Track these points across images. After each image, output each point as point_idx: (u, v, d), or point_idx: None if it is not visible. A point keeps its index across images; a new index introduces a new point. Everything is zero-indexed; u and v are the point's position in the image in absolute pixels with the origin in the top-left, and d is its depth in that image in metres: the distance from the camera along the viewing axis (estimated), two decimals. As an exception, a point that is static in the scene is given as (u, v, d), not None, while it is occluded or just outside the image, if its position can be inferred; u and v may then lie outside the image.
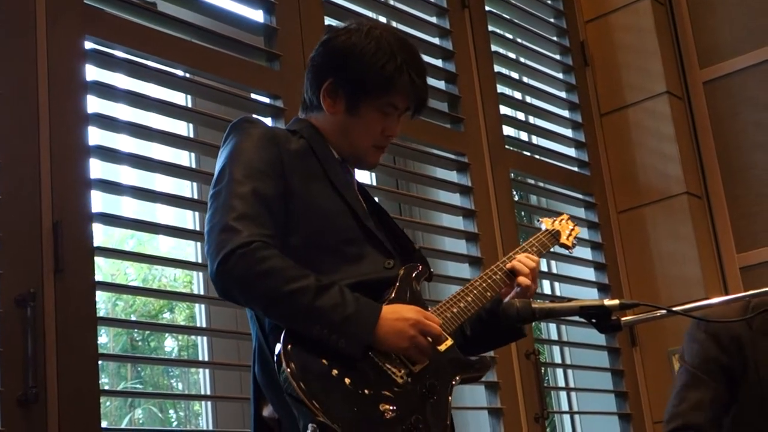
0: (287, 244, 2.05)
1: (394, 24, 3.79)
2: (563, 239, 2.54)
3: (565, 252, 2.61)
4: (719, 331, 2.77)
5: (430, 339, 2.02)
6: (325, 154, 2.20)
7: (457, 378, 2.11)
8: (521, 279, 2.29)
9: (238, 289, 1.97)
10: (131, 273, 3.29)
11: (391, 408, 1.94)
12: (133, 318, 3.22)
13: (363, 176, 2.39)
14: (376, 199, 2.43)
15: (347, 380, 1.93)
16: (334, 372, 1.93)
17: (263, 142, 2.12)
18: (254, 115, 3.09)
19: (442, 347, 2.08)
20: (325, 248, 2.09)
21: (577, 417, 4.28)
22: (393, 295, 2.11)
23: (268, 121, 3.12)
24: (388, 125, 2.23)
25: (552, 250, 2.53)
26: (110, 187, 2.65)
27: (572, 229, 2.58)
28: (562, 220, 2.59)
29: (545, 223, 2.56)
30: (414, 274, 2.18)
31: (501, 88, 4.08)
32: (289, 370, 1.88)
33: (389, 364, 1.99)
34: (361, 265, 2.11)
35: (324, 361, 1.93)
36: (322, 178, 2.16)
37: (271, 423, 2.08)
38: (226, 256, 1.94)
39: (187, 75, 2.97)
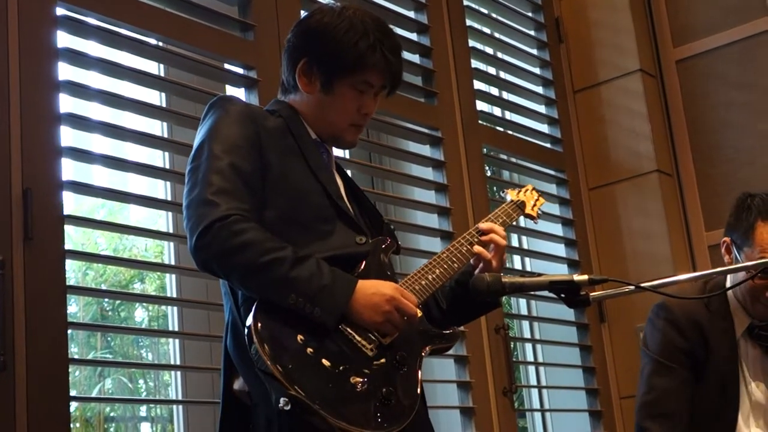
0: (263, 217, 2.07)
1: (369, -4, 3.78)
2: (528, 210, 2.55)
3: (536, 227, 2.61)
4: (679, 318, 2.81)
5: (404, 317, 2.04)
6: (301, 134, 2.22)
7: (427, 349, 2.13)
8: (484, 252, 2.29)
9: (216, 262, 1.99)
10: (102, 242, 3.28)
11: (362, 380, 1.95)
12: (104, 287, 3.21)
13: (336, 149, 2.39)
14: (349, 172, 2.44)
15: (318, 354, 1.94)
16: (305, 346, 1.94)
17: (241, 118, 2.13)
18: (233, 89, 3.10)
19: None
20: (299, 224, 2.11)
21: (545, 391, 4.32)
22: (362, 268, 2.13)
23: (241, 91, 3.11)
24: (364, 103, 2.24)
25: (523, 225, 2.54)
26: (81, 155, 2.63)
27: (537, 200, 2.59)
28: (527, 190, 2.60)
29: (510, 194, 2.57)
30: (382, 247, 2.21)
31: (475, 63, 4.08)
32: (259, 343, 1.90)
33: (359, 336, 2.01)
34: (333, 241, 2.12)
35: (295, 334, 1.95)
36: (297, 156, 2.18)
37: (241, 396, 2.09)
38: (204, 230, 1.96)
39: (161, 44, 2.95)
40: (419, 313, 2.12)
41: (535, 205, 2.57)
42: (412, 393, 2.02)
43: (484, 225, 2.35)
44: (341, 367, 1.95)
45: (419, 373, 2.07)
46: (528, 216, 2.55)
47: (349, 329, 2.01)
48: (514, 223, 2.53)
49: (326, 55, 2.20)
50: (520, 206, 2.53)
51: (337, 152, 2.36)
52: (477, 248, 2.29)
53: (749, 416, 2.77)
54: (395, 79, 2.27)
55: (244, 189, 2.04)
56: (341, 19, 2.20)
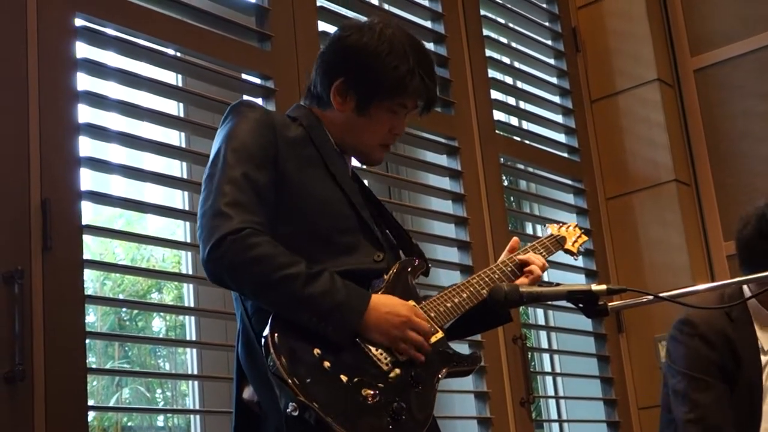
0: (277, 231, 2.05)
1: (386, 7, 3.78)
2: (568, 245, 2.56)
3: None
4: (705, 331, 2.78)
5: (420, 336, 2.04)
6: (323, 143, 2.21)
7: (444, 371, 2.11)
8: (532, 268, 2.33)
9: (228, 275, 1.98)
10: (120, 252, 3.29)
11: (373, 393, 1.95)
12: (122, 297, 3.22)
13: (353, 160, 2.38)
14: (366, 182, 2.44)
15: (332, 364, 1.94)
16: (320, 355, 1.94)
17: (260, 127, 2.12)
18: (250, 98, 3.10)
19: (432, 339, 2.10)
20: (317, 237, 2.10)
21: (562, 402, 4.30)
22: (384, 287, 2.12)
23: (258, 101, 3.12)
24: (396, 124, 2.24)
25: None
26: (99, 165, 2.64)
27: (579, 237, 2.59)
28: (569, 227, 2.61)
29: (551, 229, 2.58)
30: (410, 268, 2.20)
31: (492, 73, 4.08)
32: (276, 355, 1.89)
33: (375, 350, 2.01)
34: (351, 257, 2.11)
35: (310, 346, 1.95)
36: (319, 165, 2.17)
37: (251, 405, 2.09)
38: (216, 243, 1.95)
39: (178, 54, 2.96)
40: (441, 334, 2.12)
41: (576, 241, 2.58)
42: (425, 412, 2.01)
43: (522, 256, 2.37)
44: (354, 380, 1.95)
45: (435, 393, 2.06)
46: (568, 252, 2.57)
47: (366, 343, 2.00)
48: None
49: (365, 78, 2.18)
50: (560, 241, 2.54)
51: (353, 162, 2.36)
52: (533, 267, 2.33)
53: None
54: (431, 102, 2.26)
55: (258, 201, 2.03)
56: (381, 41, 2.18)
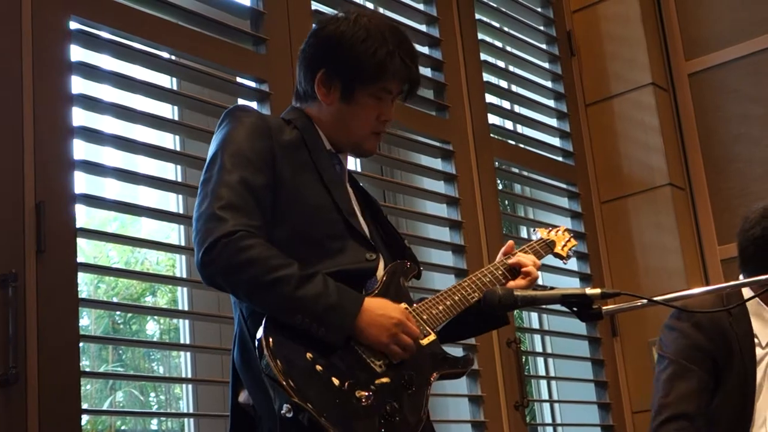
0: (273, 235, 2.06)
1: (381, 11, 3.78)
2: (558, 249, 2.55)
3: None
4: (701, 319, 2.79)
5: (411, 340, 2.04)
6: (316, 147, 2.21)
7: (436, 373, 2.12)
8: (529, 269, 2.33)
9: (222, 278, 1.99)
10: (114, 256, 3.28)
11: (367, 395, 1.95)
12: (116, 300, 3.21)
13: (348, 162, 2.38)
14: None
15: (326, 366, 1.94)
16: (314, 358, 1.95)
17: (256, 131, 2.13)
18: (245, 102, 3.11)
19: (425, 341, 2.11)
20: (309, 241, 2.10)
21: (556, 405, 4.30)
22: (378, 289, 2.13)
23: (253, 105, 3.12)
24: (383, 110, 2.24)
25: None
26: (94, 168, 2.64)
27: (568, 241, 2.59)
28: (558, 231, 2.60)
29: (540, 232, 2.58)
30: (402, 271, 2.21)
31: (487, 77, 4.09)
32: (270, 357, 1.90)
33: (369, 353, 2.01)
34: (342, 258, 2.12)
35: (304, 348, 1.95)
36: (311, 170, 2.17)
37: (246, 408, 2.09)
38: (210, 246, 1.96)
39: (173, 57, 2.96)
40: (433, 336, 2.13)
41: (565, 245, 2.57)
42: (417, 413, 2.02)
43: (512, 260, 2.36)
44: (348, 382, 1.95)
45: (427, 395, 2.06)
46: (557, 256, 2.56)
47: (359, 345, 2.01)
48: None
49: (345, 65, 2.19)
50: (549, 245, 2.54)
51: (348, 165, 2.36)
52: (529, 269, 2.33)
53: (765, 422, 2.75)
54: (414, 84, 2.27)
55: (254, 204, 2.03)
56: (357, 27, 2.19)
